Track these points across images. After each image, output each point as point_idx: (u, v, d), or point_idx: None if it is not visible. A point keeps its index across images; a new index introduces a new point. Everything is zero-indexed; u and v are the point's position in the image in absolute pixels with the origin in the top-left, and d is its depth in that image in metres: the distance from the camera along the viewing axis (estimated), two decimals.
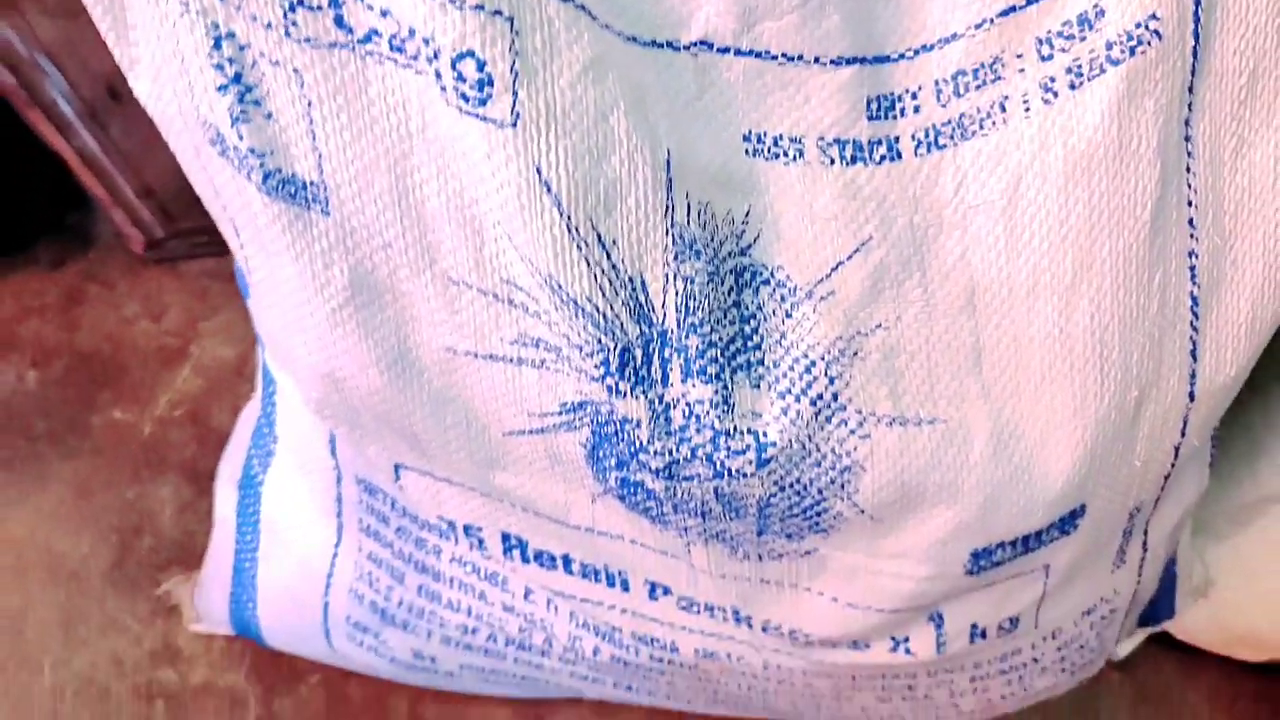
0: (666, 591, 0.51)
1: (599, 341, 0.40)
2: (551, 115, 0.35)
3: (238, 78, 0.37)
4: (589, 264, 0.38)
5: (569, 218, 0.37)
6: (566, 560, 0.51)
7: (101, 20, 0.40)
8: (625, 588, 0.51)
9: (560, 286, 0.39)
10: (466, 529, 0.51)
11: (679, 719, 0.70)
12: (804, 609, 0.49)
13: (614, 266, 0.39)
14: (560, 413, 0.43)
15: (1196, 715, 0.73)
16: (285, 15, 0.35)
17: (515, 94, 0.34)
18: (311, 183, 0.39)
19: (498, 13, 0.33)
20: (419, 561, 0.55)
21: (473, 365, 0.43)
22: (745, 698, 0.58)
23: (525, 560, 0.51)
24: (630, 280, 0.39)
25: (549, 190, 0.36)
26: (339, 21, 0.35)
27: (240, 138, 0.38)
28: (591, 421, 0.43)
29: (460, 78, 0.34)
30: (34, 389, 0.75)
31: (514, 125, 0.35)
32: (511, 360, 0.42)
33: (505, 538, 0.51)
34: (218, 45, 0.36)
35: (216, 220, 0.45)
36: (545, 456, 0.46)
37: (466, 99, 0.35)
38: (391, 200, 0.39)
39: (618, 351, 0.40)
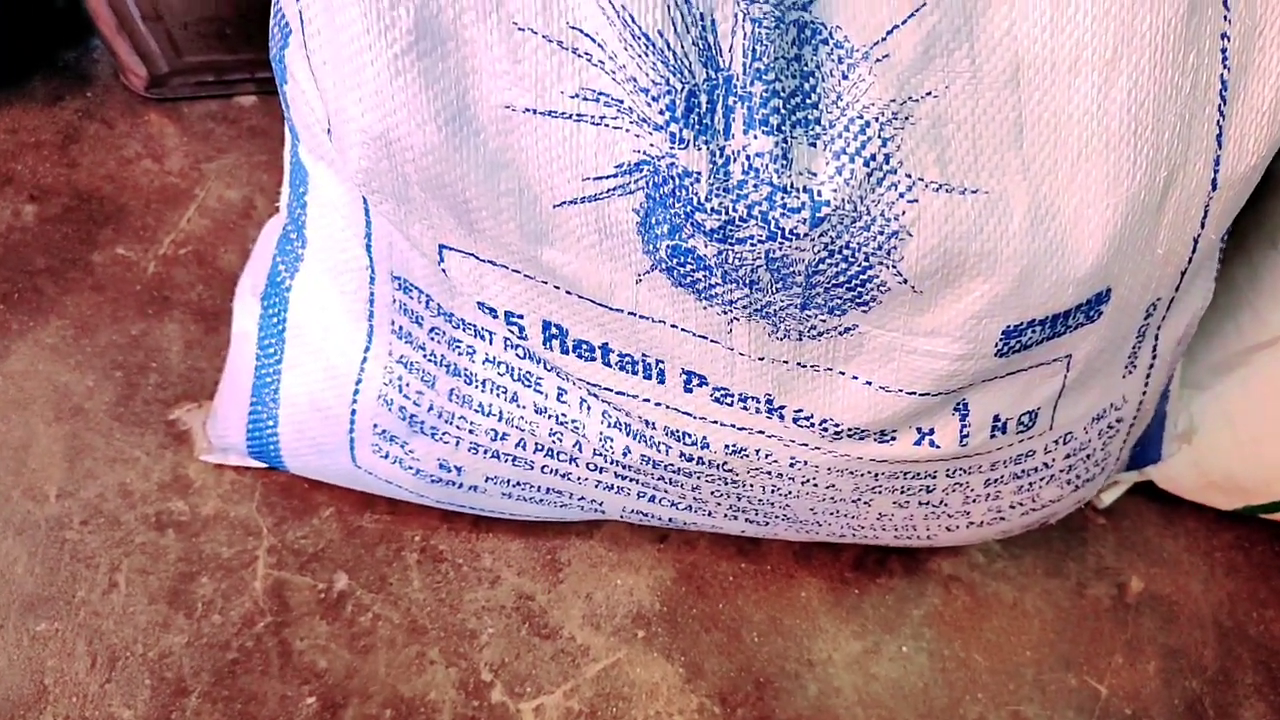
0: (702, 382, 0.52)
1: (667, 83, 0.40)
2: None
3: None
4: None
5: None
6: (605, 350, 0.52)
7: None
8: (661, 379, 0.52)
9: (634, 19, 0.39)
10: (508, 316, 0.51)
11: (690, 553, 0.72)
12: (837, 395, 0.51)
13: (687, 1, 0.39)
14: (616, 174, 0.44)
15: (1176, 561, 0.77)
16: None
17: None
18: None
19: None
20: (451, 364, 0.56)
21: (530, 124, 0.43)
22: (766, 505, 0.59)
23: (564, 350, 0.52)
24: (701, 17, 0.40)
25: None
26: None
27: None
28: (647, 184, 0.44)
29: None
30: (32, 225, 0.73)
31: None
32: (570, 116, 0.43)
33: (546, 326, 0.51)
34: None
35: None
36: (595, 230, 0.46)
37: None
38: None
39: (684, 95, 0.41)
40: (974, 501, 0.59)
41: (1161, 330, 0.55)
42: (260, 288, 0.60)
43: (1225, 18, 0.45)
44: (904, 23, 0.43)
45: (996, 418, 0.53)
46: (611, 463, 0.57)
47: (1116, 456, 0.63)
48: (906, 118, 0.43)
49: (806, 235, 0.43)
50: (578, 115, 0.43)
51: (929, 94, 0.43)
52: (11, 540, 0.65)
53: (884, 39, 0.43)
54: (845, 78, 0.43)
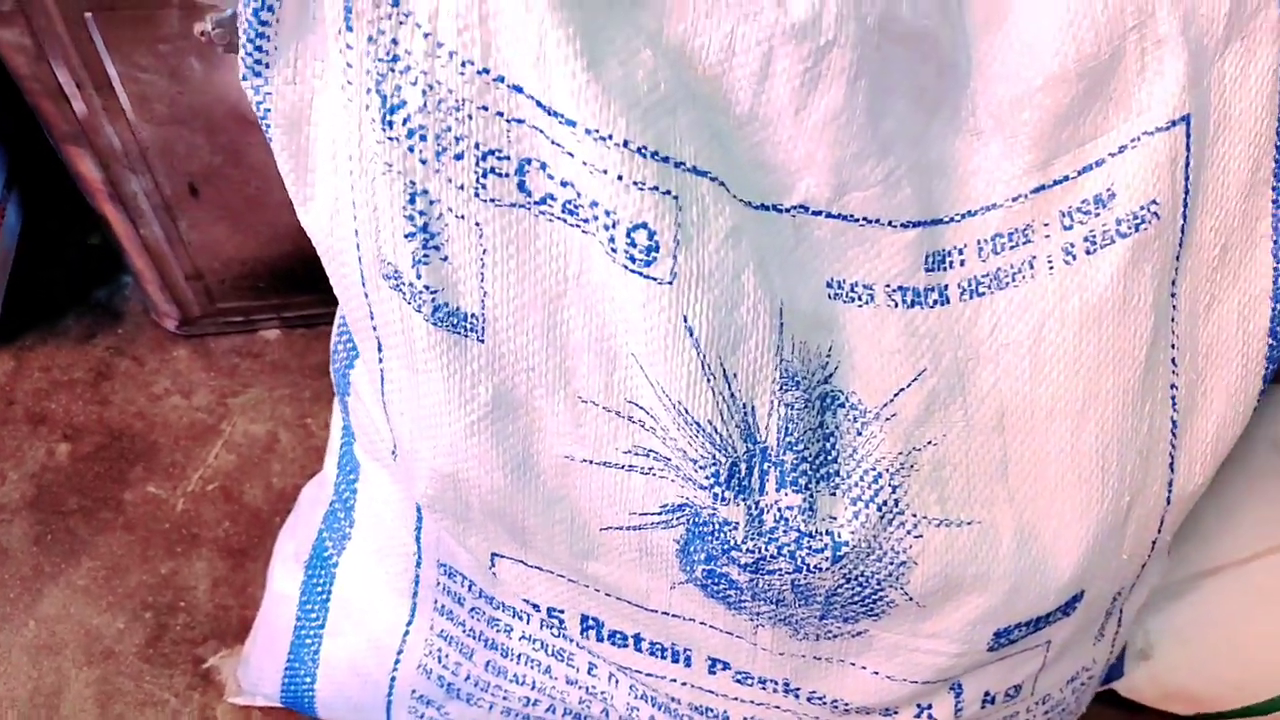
0: (726, 667, 0.57)
1: (714, 457, 0.47)
2: (700, 275, 0.42)
3: (425, 227, 0.43)
4: (714, 393, 0.45)
5: (704, 356, 0.44)
6: (637, 639, 0.57)
7: (284, 163, 0.45)
8: (688, 663, 0.57)
9: (688, 411, 0.45)
10: (550, 610, 0.56)
11: None
12: (848, 681, 0.56)
13: (733, 395, 0.46)
14: (660, 513, 0.50)
15: None
16: (478, 180, 0.41)
17: (675, 258, 0.41)
18: (473, 315, 0.45)
19: (668, 192, 0.40)
20: (490, 639, 0.60)
21: (586, 471, 0.49)
22: None
23: (599, 639, 0.57)
24: (744, 406, 0.46)
25: (691, 335, 0.43)
26: (521, 186, 0.42)
27: (418, 276, 0.44)
28: (688, 521, 0.50)
29: (632, 243, 0.41)
30: (65, 464, 0.76)
31: (670, 283, 0.42)
32: (623, 467, 0.49)
33: (584, 619, 0.56)
34: (412, 200, 0.42)
35: (355, 332, 0.50)
36: (637, 549, 0.52)
37: (634, 260, 0.41)
38: (541, 332, 0.45)
39: (728, 465, 0.47)
40: None
41: (1125, 606, 0.62)
42: (304, 556, 0.64)
43: (1174, 372, 0.53)
44: (908, 386, 0.50)
45: (987, 693, 0.59)
46: None
47: (1089, 700, 0.69)
48: (912, 465, 0.50)
49: (829, 569, 0.49)
50: (629, 466, 0.49)
51: (930, 443, 0.50)
52: None
53: (891, 400, 0.49)
54: (859, 434, 0.49)
